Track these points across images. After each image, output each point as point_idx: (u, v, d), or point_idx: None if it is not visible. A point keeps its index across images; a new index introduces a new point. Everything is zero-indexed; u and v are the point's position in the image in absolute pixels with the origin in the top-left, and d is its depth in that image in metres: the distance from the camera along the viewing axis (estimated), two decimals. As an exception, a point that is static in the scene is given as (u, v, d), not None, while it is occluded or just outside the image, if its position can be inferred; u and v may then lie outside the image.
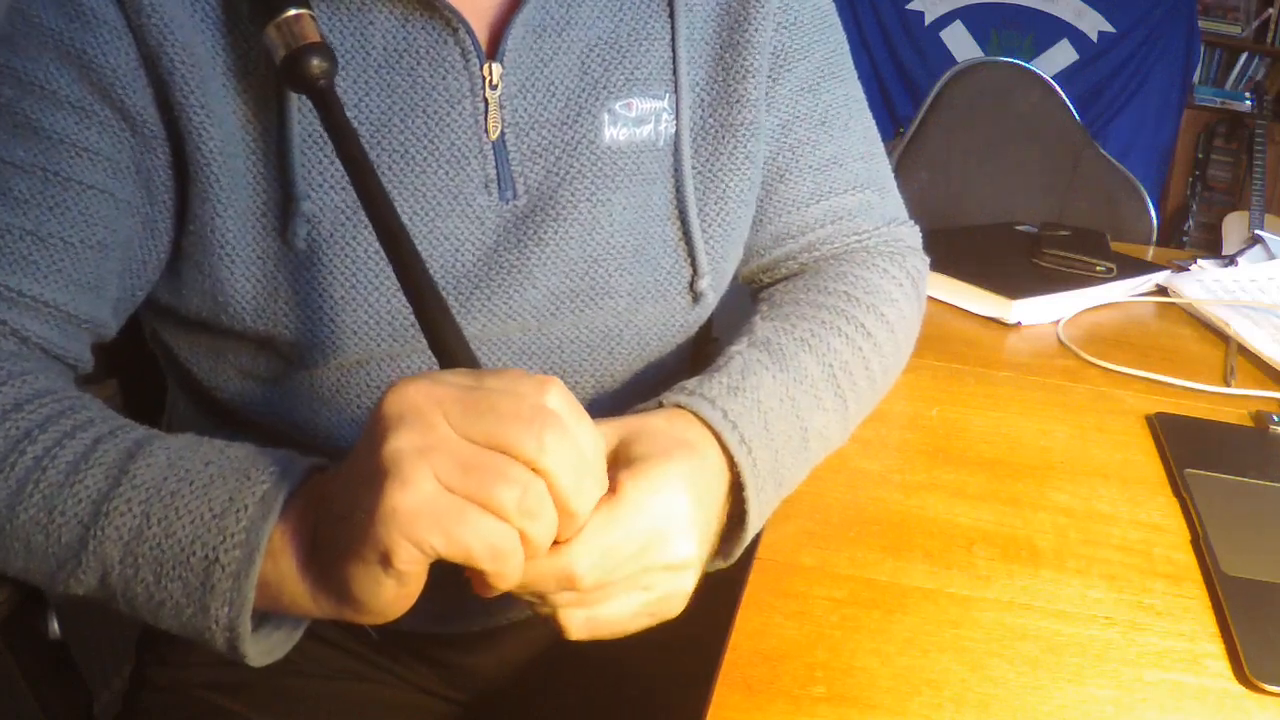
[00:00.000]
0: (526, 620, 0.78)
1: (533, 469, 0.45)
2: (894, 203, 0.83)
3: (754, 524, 0.60)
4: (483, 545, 0.44)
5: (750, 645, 0.54)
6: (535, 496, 0.44)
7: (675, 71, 0.70)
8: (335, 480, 0.49)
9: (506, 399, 0.45)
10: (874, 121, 0.82)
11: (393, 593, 0.47)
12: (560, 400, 0.46)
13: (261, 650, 0.52)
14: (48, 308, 0.60)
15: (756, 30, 0.72)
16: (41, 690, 0.68)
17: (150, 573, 0.50)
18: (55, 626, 0.68)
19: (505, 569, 0.45)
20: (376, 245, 0.62)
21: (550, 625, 0.53)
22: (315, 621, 0.78)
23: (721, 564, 0.60)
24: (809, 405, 0.65)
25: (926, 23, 3.41)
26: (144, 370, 0.80)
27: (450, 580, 0.75)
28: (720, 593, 0.60)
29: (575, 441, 0.45)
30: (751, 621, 0.56)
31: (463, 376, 0.47)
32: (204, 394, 0.71)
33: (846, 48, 0.80)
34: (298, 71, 0.57)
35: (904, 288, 0.77)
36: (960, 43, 3.41)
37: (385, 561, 0.45)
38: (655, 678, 0.80)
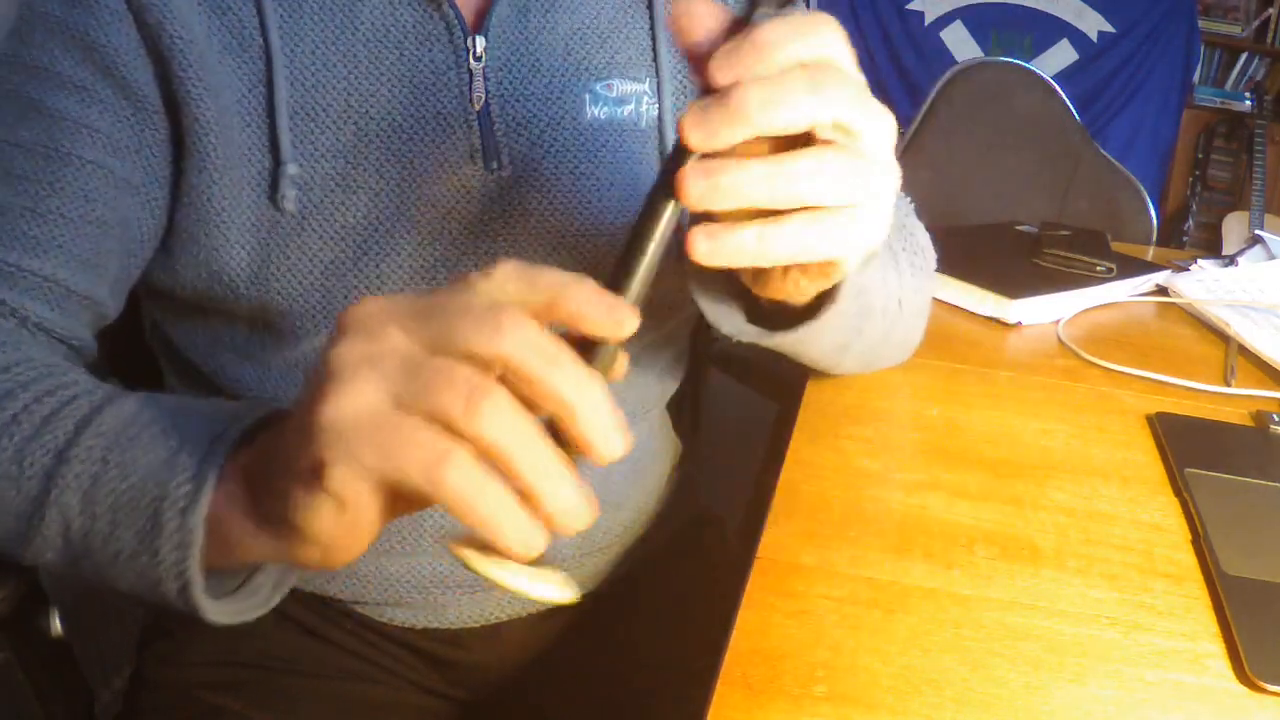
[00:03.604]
0: (526, 616, 0.78)
1: (499, 364, 0.39)
2: None
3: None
4: (419, 464, 0.38)
5: (750, 645, 0.54)
6: (488, 398, 0.38)
7: (656, 57, 0.73)
8: (291, 413, 0.46)
9: (458, 297, 0.40)
10: None
11: (331, 519, 0.41)
12: (513, 276, 0.41)
13: (227, 611, 0.50)
14: (47, 282, 0.61)
15: None
16: (43, 689, 0.68)
17: (106, 521, 0.48)
18: (57, 624, 0.68)
19: (463, 495, 0.38)
20: (366, 212, 0.66)
21: None
22: (316, 620, 0.79)
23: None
24: None
25: (926, 23, 3.41)
26: (144, 370, 0.80)
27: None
28: (720, 592, 0.60)
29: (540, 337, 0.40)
30: (752, 621, 0.55)
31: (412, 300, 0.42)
32: (202, 382, 0.72)
33: None
34: None
35: (920, 236, 0.79)
36: (960, 43, 3.41)
37: (318, 475, 0.40)
38: (655, 677, 0.80)
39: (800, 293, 0.59)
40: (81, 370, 0.58)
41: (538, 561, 0.42)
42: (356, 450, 0.39)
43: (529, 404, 0.39)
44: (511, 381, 0.39)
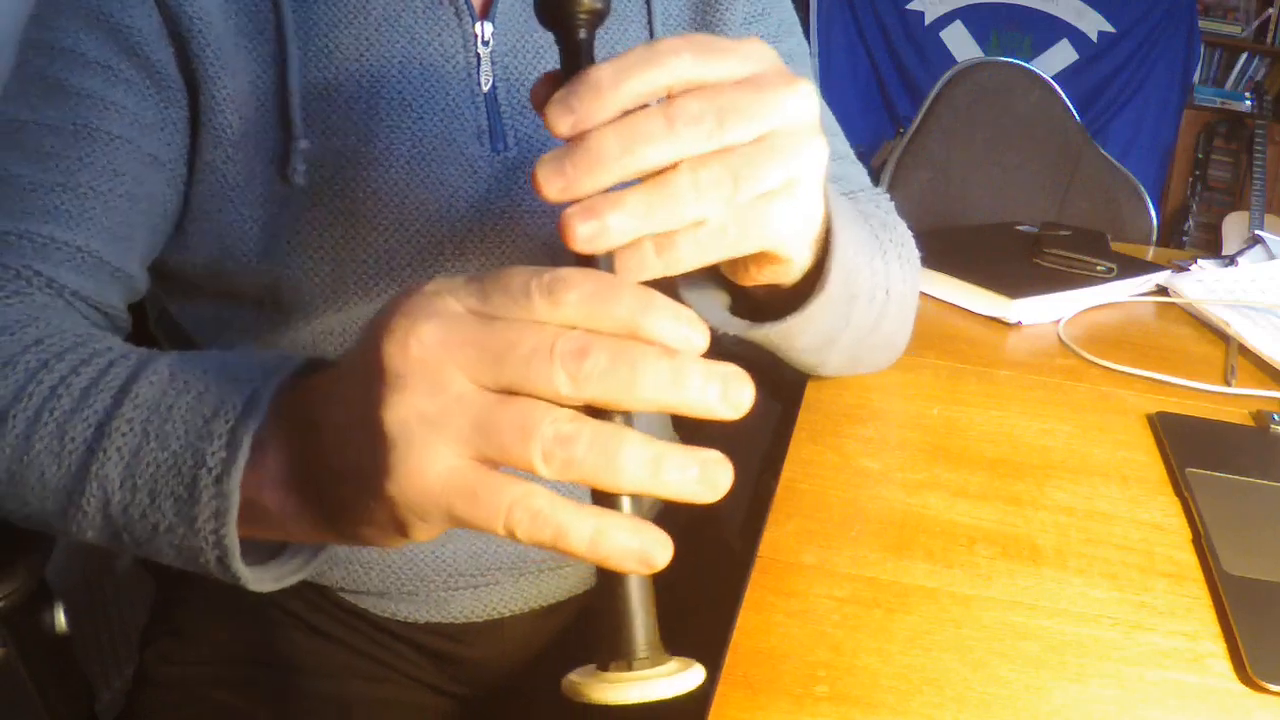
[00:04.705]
0: (528, 612, 0.78)
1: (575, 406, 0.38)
2: (867, 179, 0.85)
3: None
4: (502, 519, 0.38)
5: (751, 644, 0.54)
6: (571, 446, 0.37)
7: None
8: (330, 396, 0.45)
9: (525, 334, 0.38)
10: None
11: (412, 542, 0.43)
12: (581, 300, 0.39)
13: (267, 577, 0.50)
14: (80, 253, 0.63)
15: (726, 11, 0.77)
16: (45, 686, 0.68)
17: (146, 493, 0.48)
18: (62, 620, 0.69)
19: (540, 536, 0.38)
20: (376, 189, 0.67)
21: None
22: (320, 618, 0.79)
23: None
24: (858, 219, 0.68)
25: (926, 23, 3.41)
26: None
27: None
28: (721, 592, 0.60)
29: (608, 349, 0.38)
30: (752, 621, 0.56)
31: (468, 295, 0.40)
32: None
33: (806, 45, 0.85)
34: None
35: (902, 231, 0.79)
36: (960, 43, 3.41)
37: (403, 533, 0.42)
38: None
39: (761, 280, 0.58)
40: (115, 337, 0.57)
41: (650, 658, 0.41)
42: (435, 516, 0.39)
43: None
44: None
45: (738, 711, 0.50)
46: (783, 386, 0.93)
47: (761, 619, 0.56)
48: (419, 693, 0.79)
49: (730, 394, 0.39)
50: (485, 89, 0.70)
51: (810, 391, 0.80)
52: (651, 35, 0.75)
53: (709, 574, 0.86)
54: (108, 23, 0.63)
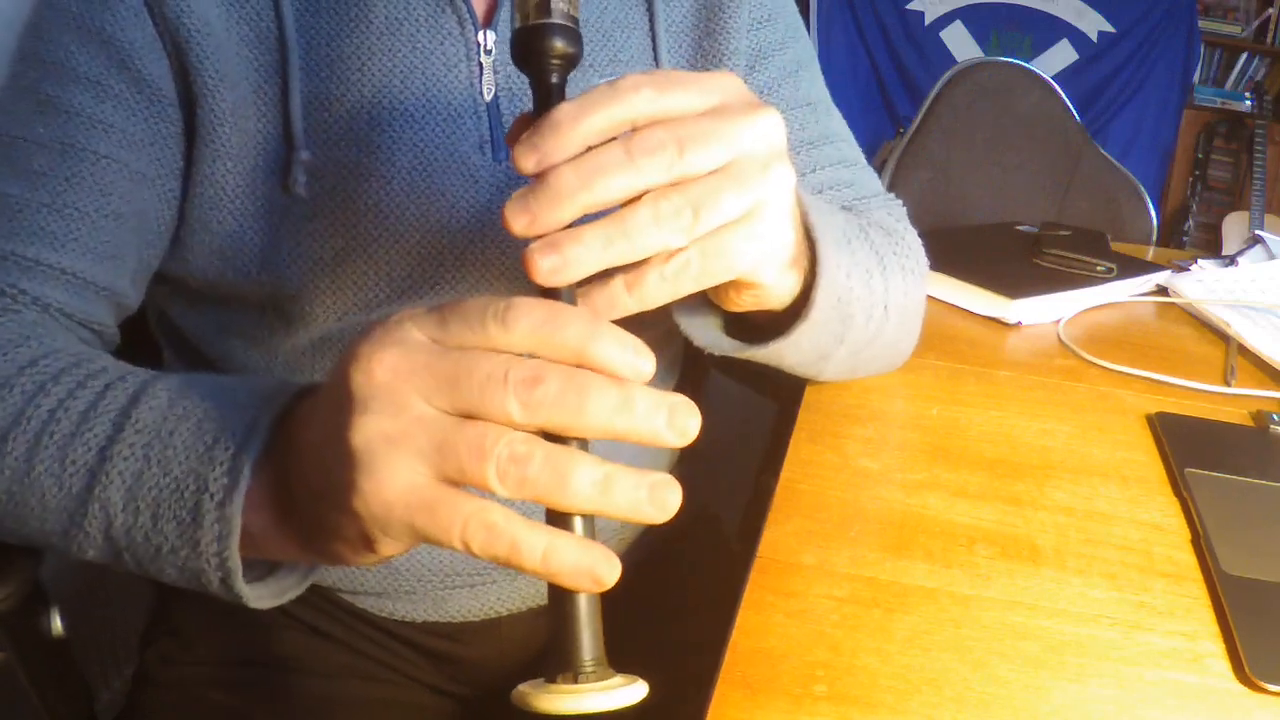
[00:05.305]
0: (526, 611, 0.78)
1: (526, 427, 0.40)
2: (878, 185, 0.85)
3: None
4: (458, 533, 0.39)
5: (751, 644, 0.54)
6: (526, 465, 0.39)
7: (656, 56, 0.75)
8: (310, 422, 0.46)
9: (480, 362, 0.40)
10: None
11: (381, 559, 0.46)
12: (532, 328, 0.40)
13: (267, 593, 0.51)
14: (65, 275, 0.62)
15: (731, 18, 0.77)
16: (43, 689, 0.68)
17: (149, 516, 0.49)
18: (58, 624, 0.69)
19: (495, 550, 0.40)
20: (377, 200, 0.67)
21: None
22: (319, 618, 0.79)
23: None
24: (855, 233, 0.68)
25: (926, 23, 3.41)
26: (146, 360, 0.81)
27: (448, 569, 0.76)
28: (721, 592, 0.60)
29: (559, 377, 0.40)
30: (752, 620, 0.56)
31: (429, 324, 0.42)
32: (208, 370, 0.73)
33: (814, 49, 0.85)
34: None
35: (910, 240, 0.78)
36: (960, 43, 3.41)
37: (370, 548, 0.44)
38: (655, 676, 0.80)
39: (745, 305, 0.59)
40: (108, 356, 0.58)
41: (596, 672, 0.43)
42: (397, 531, 0.41)
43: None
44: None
45: (737, 711, 0.50)
46: (782, 387, 0.93)
47: (761, 619, 0.56)
48: (417, 692, 0.80)
49: (676, 421, 0.41)
50: (488, 99, 0.70)
51: (810, 392, 0.80)
52: (655, 44, 0.75)
53: (709, 574, 0.86)
54: (99, 36, 0.63)
